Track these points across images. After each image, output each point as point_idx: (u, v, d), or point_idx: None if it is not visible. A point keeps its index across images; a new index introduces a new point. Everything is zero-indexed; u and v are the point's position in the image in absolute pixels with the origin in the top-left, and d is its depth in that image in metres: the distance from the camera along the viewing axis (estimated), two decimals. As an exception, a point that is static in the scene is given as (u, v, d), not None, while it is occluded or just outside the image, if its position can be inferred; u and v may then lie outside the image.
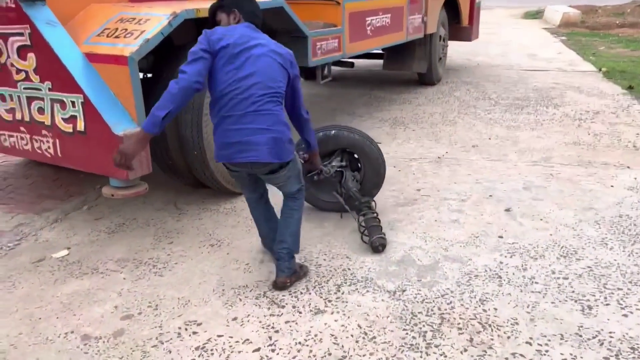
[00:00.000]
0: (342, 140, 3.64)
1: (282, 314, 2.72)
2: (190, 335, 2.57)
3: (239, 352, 2.44)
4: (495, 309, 2.70)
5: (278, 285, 2.89)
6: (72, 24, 3.49)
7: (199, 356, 2.43)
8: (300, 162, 3.02)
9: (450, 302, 2.76)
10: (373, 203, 3.62)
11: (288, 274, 2.90)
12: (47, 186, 4.54)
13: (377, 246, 3.22)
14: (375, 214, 3.44)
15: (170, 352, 2.46)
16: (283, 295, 2.87)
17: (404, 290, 2.88)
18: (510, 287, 2.88)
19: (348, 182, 3.61)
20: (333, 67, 8.33)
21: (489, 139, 5.47)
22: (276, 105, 2.66)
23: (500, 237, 3.44)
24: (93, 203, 4.17)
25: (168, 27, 3.27)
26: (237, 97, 2.59)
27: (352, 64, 6.86)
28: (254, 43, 2.64)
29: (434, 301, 2.77)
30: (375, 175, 3.75)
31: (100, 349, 2.50)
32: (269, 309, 2.75)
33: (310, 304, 2.78)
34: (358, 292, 2.88)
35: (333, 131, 3.63)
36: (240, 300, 2.84)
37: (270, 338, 2.53)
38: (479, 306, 2.72)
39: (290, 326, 2.62)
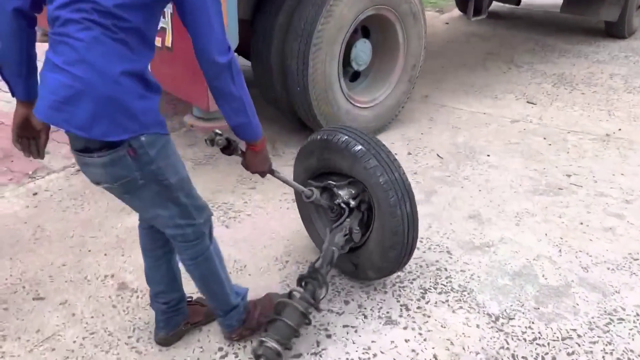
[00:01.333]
0: (336, 158, 2.12)
1: (342, 312, 2.17)
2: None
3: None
4: (639, 382, 1.88)
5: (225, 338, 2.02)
6: None
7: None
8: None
9: (573, 353, 1.98)
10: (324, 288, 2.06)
11: (234, 328, 1.97)
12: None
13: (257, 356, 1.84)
14: (308, 302, 1.95)
15: (201, 329, 2.07)
16: (351, 287, 2.30)
17: (511, 318, 2.15)
18: (671, 350, 2.00)
19: (335, 233, 2.11)
20: (496, 3, 7.09)
21: (686, 120, 4.16)
22: (104, 30, 1.38)
23: (672, 267, 2.47)
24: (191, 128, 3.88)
25: None
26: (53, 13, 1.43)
27: (517, 1, 5.66)
28: None
29: (549, 345, 2.02)
30: (381, 248, 2.06)
31: (130, 306, 2.19)
32: (329, 301, 2.22)
33: (381, 308, 2.19)
34: (448, 305, 2.21)
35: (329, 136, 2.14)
36: (301, 280, 2.33)
37: (318, 343, 2.01)
38: (615, 370, 1.92)
39: (347, 332, 2.07)
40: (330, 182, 2.16)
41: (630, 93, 4.72)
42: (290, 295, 1.95)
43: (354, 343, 2.01)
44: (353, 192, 2.13)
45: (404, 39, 3.70)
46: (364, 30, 3.72)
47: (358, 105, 3.62)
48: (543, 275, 2.40)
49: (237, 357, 1.95)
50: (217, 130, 1.83)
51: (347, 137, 2.06)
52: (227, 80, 1.53)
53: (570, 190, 3.12)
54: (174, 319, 1.95)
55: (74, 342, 2.01)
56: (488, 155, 3.52)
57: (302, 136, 3.74)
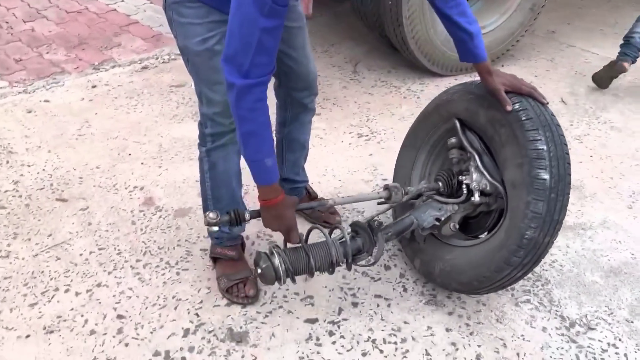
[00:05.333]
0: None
1: (379, 279, 1.81)
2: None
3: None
4: None
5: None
6: None
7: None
8: None
9: (666, 393, 1.50)
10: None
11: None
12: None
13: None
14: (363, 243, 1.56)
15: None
16: (398, 250, 1.92)
17: (591, 328, 1.68)
18: None
19: (429, 206, 1.67)
20: None
21: None
22: None
23: None
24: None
25: None
26: None
27: None
28: None
29: (635, 374, 1.55)
30: (485, 267, 1.53)
31: (150, 226, 1.99)
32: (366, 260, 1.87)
33: (426, 283, 1.80)
34: (512, 295, 1.77)
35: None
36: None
37: (340, 311, 1.69)
38: None
39: (378, 305, 1.72)
40: (474, 154, 1.61)
41: None
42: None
43: (382, 320, 1.66)
44: (487, 188, 1.58)
45: (534, -47, 2.99)
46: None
47: (462, 31, 3.03)
48: (649, 279, 1.86)
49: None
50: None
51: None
52: (232, 102, 1.29)
53: None
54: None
55: (81, 255, 1.85)
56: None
57: (390, 61, 3.27)
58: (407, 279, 1.82)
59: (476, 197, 1.58)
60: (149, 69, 3.06)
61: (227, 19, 1.22)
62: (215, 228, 1.46)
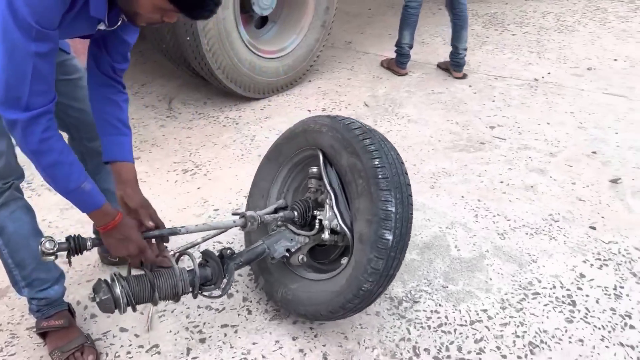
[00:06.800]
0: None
1: (222, 309, 1.86)
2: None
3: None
4: (552, 370, 1.67)
5: None
6: None
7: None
8: None
9: (481, 340, 1.76)
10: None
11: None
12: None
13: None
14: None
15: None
16: (238, 276, 1.98)
17: (415, 301, 1.90)
18: (587, 327, 1.81)
19: (282, 236, 1.74)
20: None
21: (615, 60, 3.95)
22: None
23: (593, 227, 2.27)
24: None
25: None
26: None
27: None
28: None
29: (455, 332, 1.78)
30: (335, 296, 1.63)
31: None
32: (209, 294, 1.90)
33: (269, 300, 1.89)
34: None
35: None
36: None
37: (189, 351, 1.70)
38: (525, 357, 1.70)
39: (225, 334, 1.76)
40: (334, 198, 1.66)
41: (561, 32, 4.48)
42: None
43: (231, 347, 1.71)
44: (337, 228, 1.65)
45: (312, -22, 3.27)
46: (267, -32, 3.27)
47: (264, 56, 3.21)
48: (456, 247, 2.15)
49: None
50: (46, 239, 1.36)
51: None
52: (19, 139, 1.23)
53: (492, 145, 2.87)
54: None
55: None
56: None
57: (204, 93, 3.34)
58: (251, 301, 1.88)
59: (326, 235, 1.66)
60: None
61: None
62: (52, 258, 1.34)
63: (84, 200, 1.34)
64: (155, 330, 1.76)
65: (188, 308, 1.84)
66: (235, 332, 1.76)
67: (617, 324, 1.81)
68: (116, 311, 1.42)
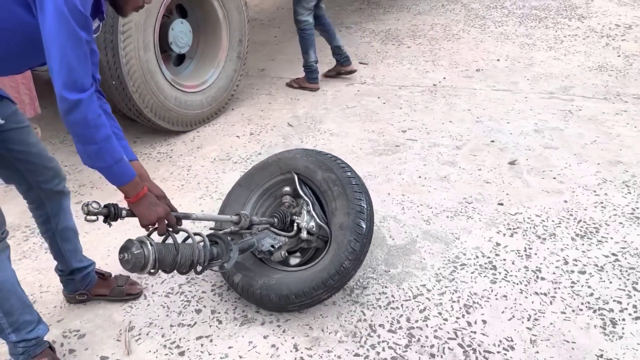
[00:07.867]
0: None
1: (194, 323, 2.02)
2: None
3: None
4: (484, 322, 1.98)
5: None
6: None
7: None
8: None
9: (425, 309, 2.05)
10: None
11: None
12: None
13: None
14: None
15: None
16: (202, 293, 2.15)
17: (365, 287, 2.16)
18: (507, 284, 2.15)
19: (267, 234, 2.05)
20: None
21: (498, 60, 4.52)
22: None
23: (500, 204, 2.66)
24: None
25: None
26: None
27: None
28: None
29: (402, 306, 2.06)
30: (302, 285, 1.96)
31: None
32: (179, 314, 2.05)
33: (236, 309, 2.07)
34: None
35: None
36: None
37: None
38: (463, 317, 2.01)
39: (202, 344, 1.92)
40: (308, 202, 2.10)
41: (449, 41, 5.02)
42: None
43: (210, 354, 1.88)
44: (313, 229, 2.06)
45: (223, 14, 3.52)
46: (181, 10, 3.47)
47: (188, 90, 3.39)
48: (390, 236, 2.45)
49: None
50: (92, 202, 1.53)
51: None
52: (81, 119, 1.40)
53: (406, 146, 3.23)
54: (70, 285, 2.02)
55: None
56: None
57: (133, 132, 3.44)
58: (219, 313, 2.06)
59: (304, 234, 2.04)
60: None
61: None
62: (94, 218, 1.49)
63: (125, 171, 1.52)
64: (135, 353, 1.88)
65: (161, 328, 1.98)
66: (211, 341, 1.93)
67: (530, 278, 2.18)
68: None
